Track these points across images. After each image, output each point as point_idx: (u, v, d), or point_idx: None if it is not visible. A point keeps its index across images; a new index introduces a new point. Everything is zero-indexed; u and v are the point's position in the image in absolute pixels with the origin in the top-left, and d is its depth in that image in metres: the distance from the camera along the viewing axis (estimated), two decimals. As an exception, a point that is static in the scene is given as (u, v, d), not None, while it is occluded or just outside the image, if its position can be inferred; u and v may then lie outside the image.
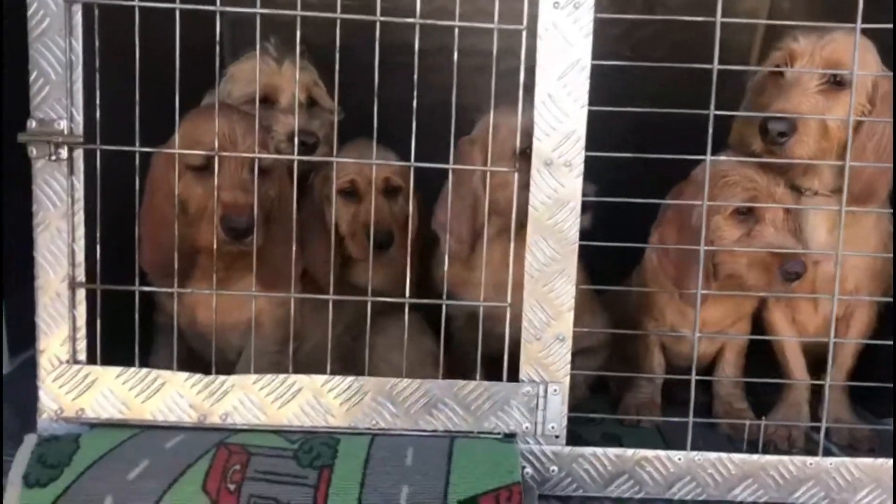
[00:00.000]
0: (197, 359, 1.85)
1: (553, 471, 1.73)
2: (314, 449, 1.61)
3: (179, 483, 1.52)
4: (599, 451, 1.74)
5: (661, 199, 1.97)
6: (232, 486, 1.52)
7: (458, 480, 1.56)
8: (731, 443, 1.98)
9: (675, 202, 1.94)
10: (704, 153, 1.66)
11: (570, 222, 1.66)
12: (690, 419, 1.75)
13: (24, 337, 1.92)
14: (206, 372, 1.68)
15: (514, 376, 1.72)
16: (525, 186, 1.67)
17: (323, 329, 1.74)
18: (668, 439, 2.01)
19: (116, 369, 1.67)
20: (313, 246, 2.02)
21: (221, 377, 1.68)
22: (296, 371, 1.70)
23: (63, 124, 1.61)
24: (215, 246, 1.71)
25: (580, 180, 1.65)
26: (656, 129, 1.92)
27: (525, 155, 1.67)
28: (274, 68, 2.06)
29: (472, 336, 1.76)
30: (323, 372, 1.70)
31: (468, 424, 1.72)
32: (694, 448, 1.73)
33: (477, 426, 1.72)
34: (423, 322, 2.11)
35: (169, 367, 1.68)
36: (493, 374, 1.74)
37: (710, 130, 1.63)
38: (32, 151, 1.61)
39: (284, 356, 1.80)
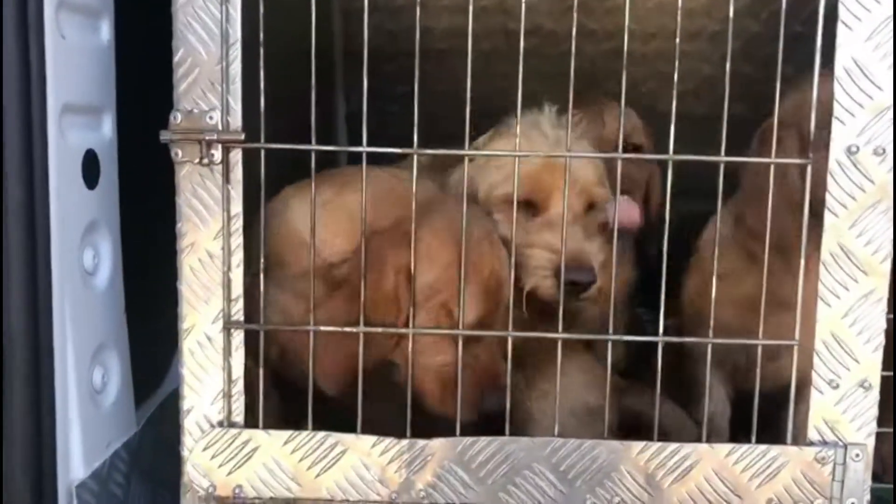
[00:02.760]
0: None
1: (852, 560, 1.31)
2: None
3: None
4: (914, 534, 1.31)
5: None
6: None
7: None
8: None
9: None
10: None
11: (883, 230, 1.24)
12: None
13: (148, 383, 1.57)
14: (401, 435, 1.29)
15: (795, 436, 1.31)
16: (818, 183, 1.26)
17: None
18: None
19: (284, 434, 1.29)
20: None
21: (420, 441, 1.29)
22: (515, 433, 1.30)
23: (216, 117, 1.24)
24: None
25: (892, 174, 1.24)
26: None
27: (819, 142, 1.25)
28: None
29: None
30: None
31: (738, 500, 1.30)
32: None
33: (752, 502, 1.30)
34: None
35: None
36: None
37: None
38: (177, 153, 1.24)
39: None
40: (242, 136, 1.24)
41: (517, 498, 1.29)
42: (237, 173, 1.26)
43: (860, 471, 1.28)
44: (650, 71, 2.17)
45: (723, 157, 1.27)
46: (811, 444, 1.29)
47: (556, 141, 1.59)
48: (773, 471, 1.28)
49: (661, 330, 1.31)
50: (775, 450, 1.29)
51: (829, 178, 1.24)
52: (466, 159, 1.36)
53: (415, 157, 1.28)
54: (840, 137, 1.23)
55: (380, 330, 1.33)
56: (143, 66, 1.46)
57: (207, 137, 1.23)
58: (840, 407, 1.28)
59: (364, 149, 1.28)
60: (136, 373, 1.53)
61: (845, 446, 1.28)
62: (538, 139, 1.59)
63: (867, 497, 1.29)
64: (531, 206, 1.60)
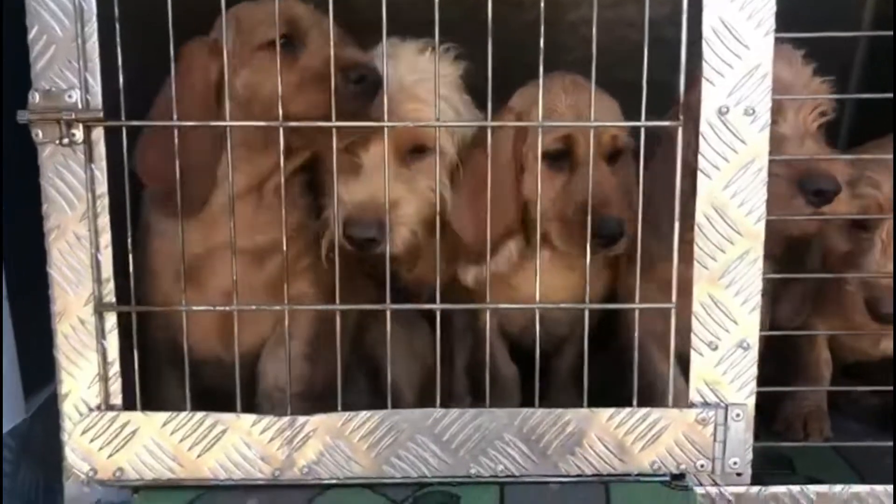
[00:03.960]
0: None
1: (736, 519, 1.32)
2: (429, 510, 1.21)
3: (256, 570, 1.12)
4: (797, 489, 1.32)
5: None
6: (327, 572, 1.13)
7: (629, 548, 1.16)
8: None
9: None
10: None
11: (755, 190, 1.24)
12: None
13: (39, 373, 1.54)
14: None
15: (678, 399, 1.31)
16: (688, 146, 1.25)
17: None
18: (853, 461, 1.57)
19: (162, 415, 1.27)
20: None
21: (301, 418, 1.28)
22: (397, 405, 1.30)
23: (76, 96, 1.20)
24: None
25: (767, 134, 1.23)
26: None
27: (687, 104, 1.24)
28: None
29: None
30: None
31: (623, 465, 1.30)
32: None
33: (635, 467, 1.30)
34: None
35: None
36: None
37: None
38: (38, 134, 1.21)
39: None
40: (101, 115, 1.21)
41: (400, 469, 1.29)
42: (100, 152, 1.23)
43: (741, 430, 1.29)
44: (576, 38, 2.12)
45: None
46: (692, 405, 1.29)
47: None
48: (656, 434, 1.29)
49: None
50: (656, 413, 1.29)
51: (700, 140, 1.23)
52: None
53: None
54: (710, 99, 1.22)
55: (253, 307, 1.31)
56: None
57: (66, 117, 1.20)
58: (720, 368, 1.28)
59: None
60: (26, 361, 1.50)
61: (726, 407, 1.29)
62: None
63: (749, 456, 1.30)
64: None
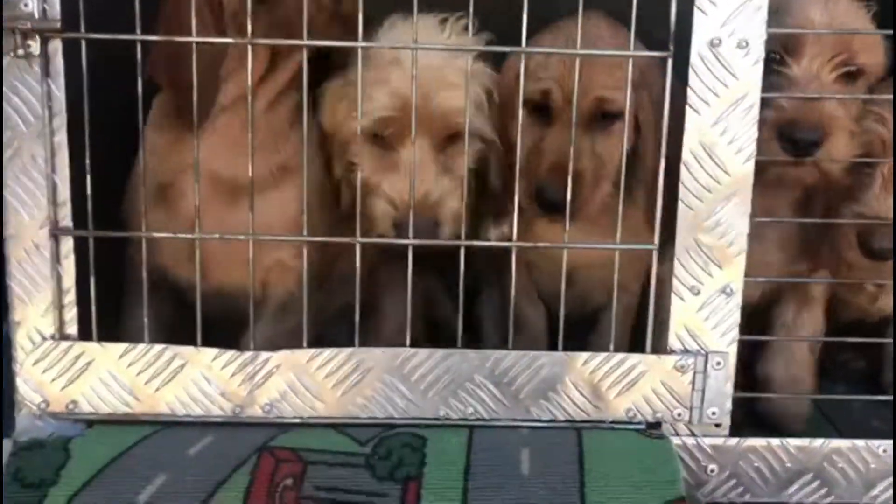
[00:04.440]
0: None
1: (712, 471, 1.28)
2: (393, 453, 1.16)
3: (210, 506, 1.08)
4: (776, 442, 1.28)
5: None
6: (284, 510, 1.08)
7: (598, 497, 1.11)
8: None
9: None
10: None
11: (746, 128, 1.18)
12: (896, 397, 1.29)
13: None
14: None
15: (658, 344, 1.26)
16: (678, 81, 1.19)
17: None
18: (834, 419, 1.54)
19: (119, 347, 1.22)
20: None
21: (264, 354, 1.22)
22: (364, 343, 1.24)
23: (32, 4, 1.13)
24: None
25: (760, 68, 1.17)
26: None
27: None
28: None
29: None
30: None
31: (597, 412, 1.26)
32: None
33: (610, 414, 1.26)
34: None
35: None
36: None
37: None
38: (-10, 45, 1.14)
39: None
40: (59, 25, 1.14)
41: (366, 409, 1.24)
42: (57, 67, 1.16)
43: (721, 379, 1.24)
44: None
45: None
46: (671, 352, 1.24)
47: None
48: (632, 380, 1.24)
49: (514, 235, 1.25)
50: (633, 358, 1.25)
51: (690, 73, 1.17)
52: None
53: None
54: (701, 29, 1.16)
55: (217, 236, 1.25)
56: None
57: (21, 26, 1.13)
58: (701, 314, 1.24)
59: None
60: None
61: (706, 354, 1.24)
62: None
63: (728, 406, 1.26)
64: None
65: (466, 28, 1.35)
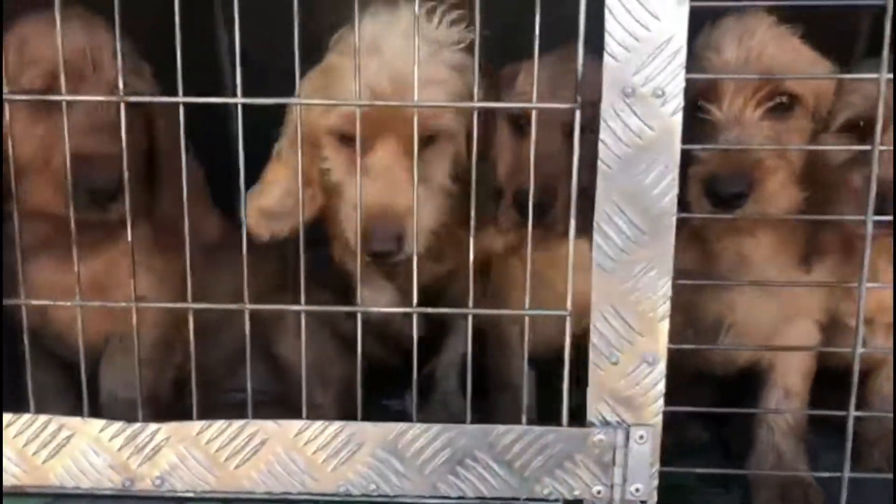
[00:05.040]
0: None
1: (639, 551, 1.18)
2: (281, 533, 1.09)
3: None
4: (710, 521, 1.17)
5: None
6: None
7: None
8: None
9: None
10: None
11: (664, 184, 1.07)
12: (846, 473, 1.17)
13: None
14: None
15: (577, 418, 1.16)
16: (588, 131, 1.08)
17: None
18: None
19: (4, 417, 1.16)
20: None
21: (153, 425, 1.16)
22: (258, 416, 1.17)
23: None
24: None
25: (679, 119, 1.05)
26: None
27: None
28: None
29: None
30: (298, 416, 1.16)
31: (511, 489, 1.16)
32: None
33: (525, 490, 1.16)
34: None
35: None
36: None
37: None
38: None
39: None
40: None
41: (259, 483, 1.16)
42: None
43: (646, 454, 1.14)
44: None
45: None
46: (590, 425, 1.14)
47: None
48: (548, 456, 1.15)
49: (414, 301, 1.15)
50: (550, 433, 1.15)
51: (602, 125, 1.06)
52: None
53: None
54: (613, 77, 1.05)
55: (97, 304, 1.18)
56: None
57: None
58: (623, 385, 1.13)
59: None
60: None
61: (628, 428, 1.14)
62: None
63: (655, 482, 1.15)
64: None
65: (457, 21, 1.27)
